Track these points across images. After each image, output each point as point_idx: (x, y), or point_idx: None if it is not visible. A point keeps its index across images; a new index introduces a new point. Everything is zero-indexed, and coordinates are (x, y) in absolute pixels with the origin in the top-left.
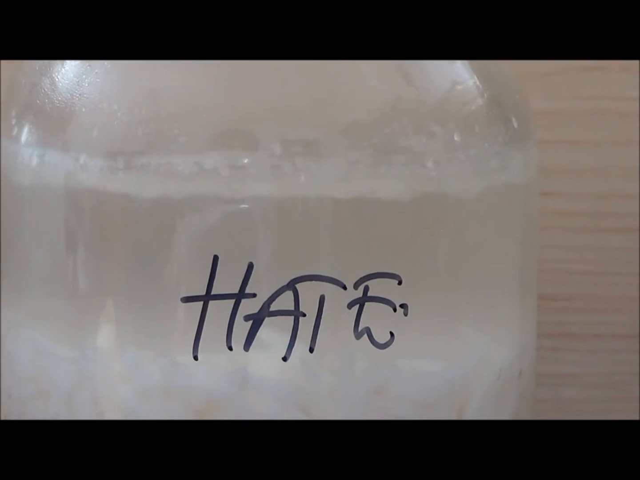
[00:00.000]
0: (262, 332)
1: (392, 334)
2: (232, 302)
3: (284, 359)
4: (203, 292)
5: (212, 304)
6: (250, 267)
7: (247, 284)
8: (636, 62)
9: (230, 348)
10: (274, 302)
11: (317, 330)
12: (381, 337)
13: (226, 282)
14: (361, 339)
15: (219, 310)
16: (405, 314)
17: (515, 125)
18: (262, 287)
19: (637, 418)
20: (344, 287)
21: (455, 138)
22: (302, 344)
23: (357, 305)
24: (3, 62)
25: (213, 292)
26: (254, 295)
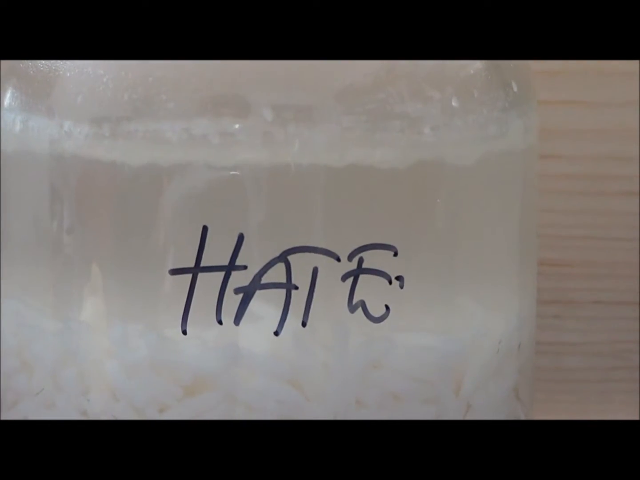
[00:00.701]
0: (253, 306)
1: (387, 307)
2: (222, 274)
3: (276, 333)
4: (192, 264)
5: (201, 276)
6: (240, 238)
7: (237, 255)
8: None
9: (220, 322)
10: (265, 275)
11: (310, 303)
12: (376, 310)
13: (216, 254)
14: (355, 313)
15: (209, 283)
16: (401, 287)
17: (515, 89)
18: (253, 258)
19: (639, 387)
20: (338, 259)
21: (453, 103)
22: (294, 318)
23: (352, 278)
24: None
25: (202, 263)
26: (245, 267)
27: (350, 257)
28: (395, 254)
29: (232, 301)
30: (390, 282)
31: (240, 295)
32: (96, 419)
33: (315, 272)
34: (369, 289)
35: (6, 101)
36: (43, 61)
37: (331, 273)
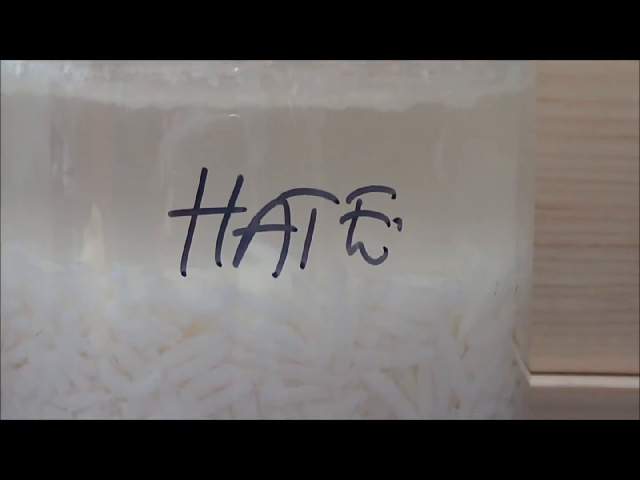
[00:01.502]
0: (252, 247)
1: (385, 249)
2: (221, 216)
3: (275, 275)
4: (191, 206)
5: (200, 218)
6: (239, 180)
7: (236, 197)
8: None
9: (219, 264)
10: (264, 217)
11: (309, 245)
12: (374, 252)
13: (215, 196)
14: (354, 255)
15: (208, 225)
16: (399, 229)
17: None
18: (252, 201)
19: (637, 330)
20: (336, 201)
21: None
22: (293, 260)
23: (350, 220)
24: None
25: (201, 205)
26: (244, 209)
27: (348, 200)
28: (394, 197)
29: (231, 243)
30: (388, 224)
31: (239, 237)
32: (96, 359)
33: (313, 214)
34: (367, 231)
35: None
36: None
37: (330, 215)
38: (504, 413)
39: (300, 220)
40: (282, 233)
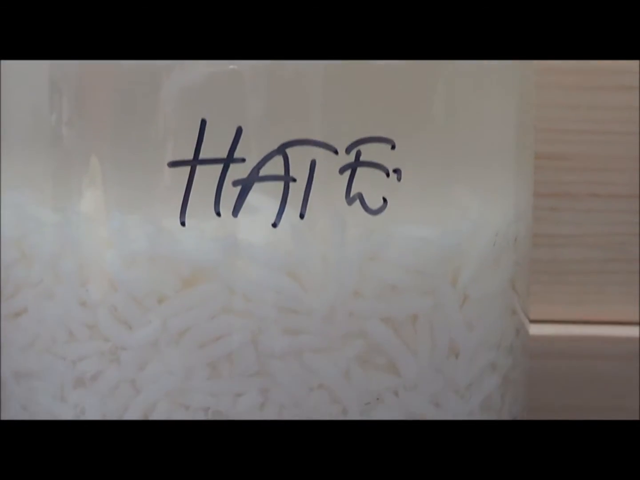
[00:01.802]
0: (251, 198)
1: (385, 199)
2: (220, 167)
3: (274, 225)
4: (190, 157)
5: (199, 168)
6: (239, 131)
7: (235, 148)
8: None
9: (218, 214)
10: (263, 167)
11: (308, 195)
12: (374, 203)
13: (214, 147)
14: (353, 205)
15: (207, 176)
16: (399, 179)
17: None
18: (251, 151)
19: (637, 283)
20: (336, 152)
21: None
22: (292, 210)
23: (349, 171)
24: None
25: (201, 156)
26: (243, 160)
27: (348, 150)
28: (393, 147)
29: (230, 193)
30: (387, 175)
31: (239, 188)
32: (95, 308)
33: (313, 164)
34: (367, 181)
35: None
36: None
37: (329, 166)
38: (503, 362)
39: (299, 170)
40: (281, 183)
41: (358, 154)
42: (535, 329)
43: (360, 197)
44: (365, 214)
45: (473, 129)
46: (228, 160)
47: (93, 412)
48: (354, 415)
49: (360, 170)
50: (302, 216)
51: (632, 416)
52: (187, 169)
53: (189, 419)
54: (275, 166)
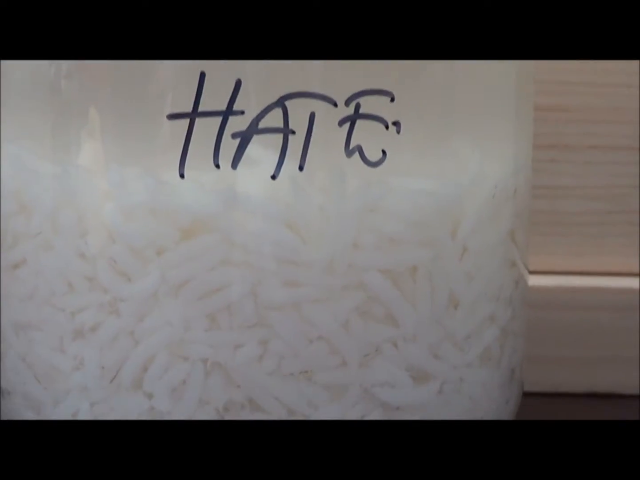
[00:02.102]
0: (251, 150)
1: (384, 152)
2: (219, 119)
3: (273, 177)
4: (189, 109)
5: (199, 121)
6: (238, 83)
7: (234, 100)
8: None
9: (217, 166)
10: (262, 120)
11: (307, 148)
12: (373, 155)
13: (213, 99)
14: (352, 157)
15: (206, 128)
16: (398, 132)
17: None
18: (250, 104)
19: (637, 234)
20: (335, 104)
21: None
22: (291, 162)
23: (348, 123)
24: None
25: (200, 109)
26: (242, 112)
27: (347, 103)
28: (392, 100)
29: (229, 146)
30: (387, 127)
31: (238, 140)
32: (94, 260)
33: (312, 117)
34: (366, 134)
35: None
36: None
37: (328, 118)
38: (502, 314)
39: (298, 123)
40: (280, 136)
41: (357, 107)
42: (534, 280)
43: (359, 149)
44: (365, 166)
45: (473, 80)
46: (227, 113)
47: (92, 363)
48: (353, 366)
49: (359, 123)
50: (301, 168)
51: (631, 367)
52: (187, 121)
53: (188, 418)
54: (274, 118)
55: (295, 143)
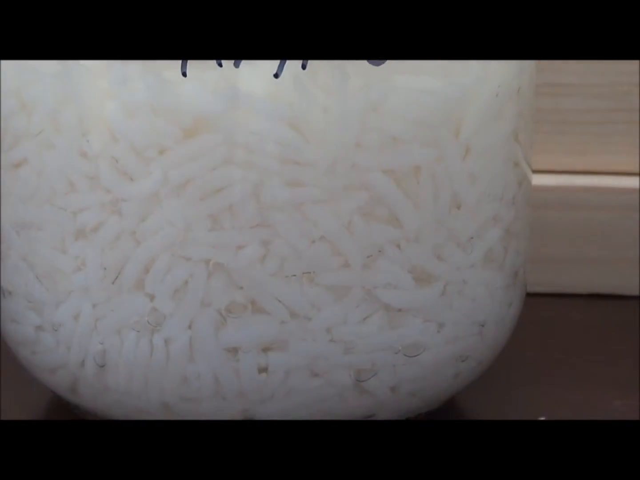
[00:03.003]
0: None
1: None
2: None
3: (276, 75)
4: None
5: None
6: None
7: None
8: None
9: (219, 64)
10: None
11: None
12: None
13: None
14: None
15: None
16: None
17: None
18: None
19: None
20: None
21: None
22: (294, 61)
23: None
24: None
25: None
26: None
27: None
28: None
29: None
30: None
31: None
32: (96, 159)
33: None
34: None
35: None
36: None
37: None
38: (505, 214)
39: None
40: None
41: None
42: (537, 180)
43: None
44: (368, 64)
45: None
46: None
47: (93, 264)
48: (356, 267)
49: None
50: (304, 67)
51: (631, 268)
52: None
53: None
54: None
55: None
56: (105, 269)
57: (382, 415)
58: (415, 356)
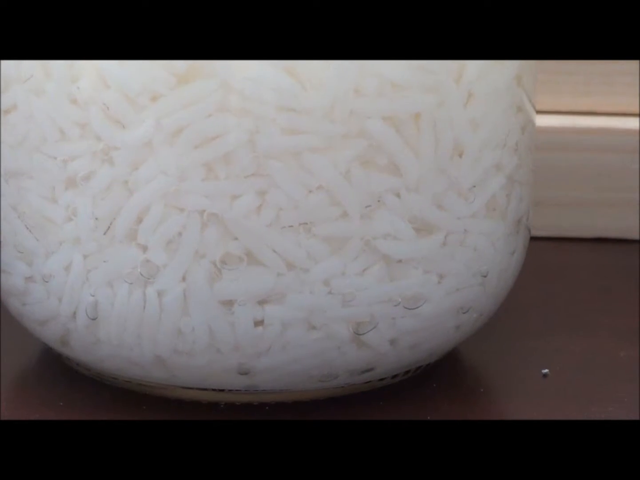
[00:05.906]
0: None
1: None
2: None
3: None
4: None
5: None
6: None
7: None
8: None
9: None
10: None
11: None
12: None
13: None
14: None
15: None
16: None
17: None
18: None
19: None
20: None
21: None
22: None
23: None
24: None
25: None
26: None
27: None
28: None
29: None
30: None
31: None
32: (86, 106)
33: None
34: None
35: None
36: None
37: None
38: (508, 162)
39: None
40: None
41: None
42: (539, 121)
43: None
44: None
45: None
46: None
47: (85, 214)
48: (354, 218)
49: None
50: None
51: (632, 207)
52: None
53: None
54: None
55: None
56: (96, 219)
57: (381, 368)
58: (415, 308)
